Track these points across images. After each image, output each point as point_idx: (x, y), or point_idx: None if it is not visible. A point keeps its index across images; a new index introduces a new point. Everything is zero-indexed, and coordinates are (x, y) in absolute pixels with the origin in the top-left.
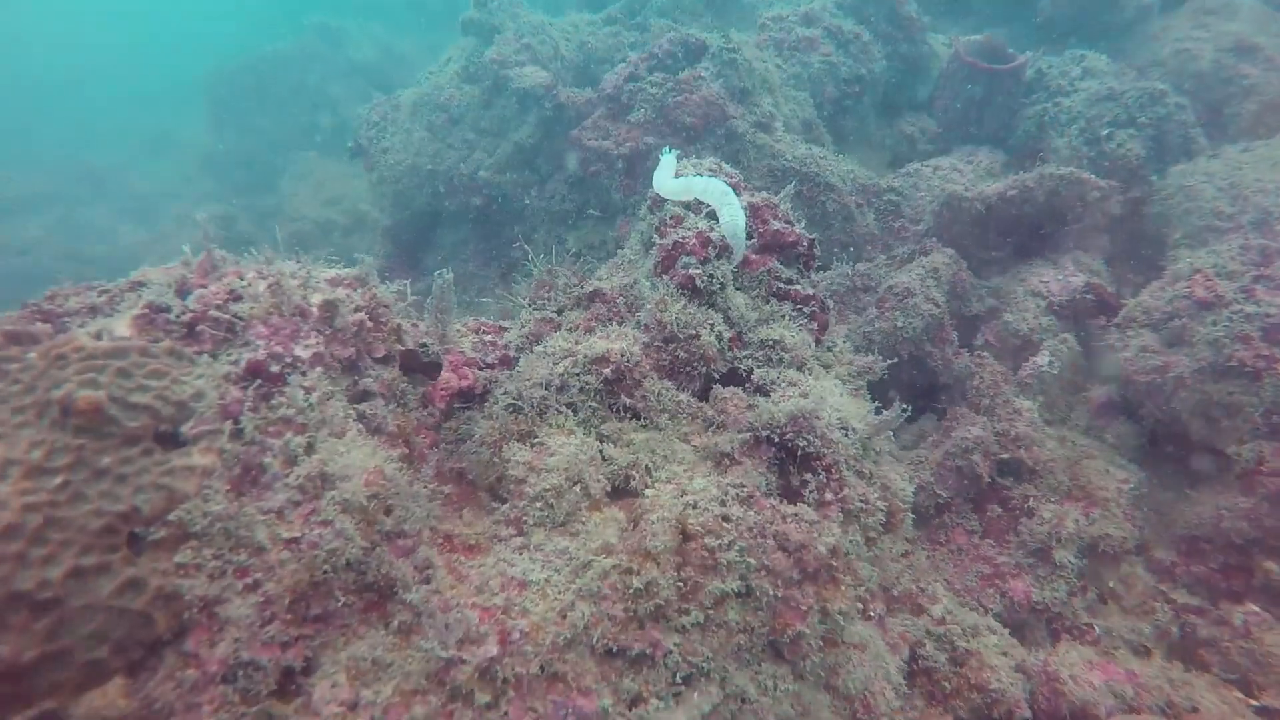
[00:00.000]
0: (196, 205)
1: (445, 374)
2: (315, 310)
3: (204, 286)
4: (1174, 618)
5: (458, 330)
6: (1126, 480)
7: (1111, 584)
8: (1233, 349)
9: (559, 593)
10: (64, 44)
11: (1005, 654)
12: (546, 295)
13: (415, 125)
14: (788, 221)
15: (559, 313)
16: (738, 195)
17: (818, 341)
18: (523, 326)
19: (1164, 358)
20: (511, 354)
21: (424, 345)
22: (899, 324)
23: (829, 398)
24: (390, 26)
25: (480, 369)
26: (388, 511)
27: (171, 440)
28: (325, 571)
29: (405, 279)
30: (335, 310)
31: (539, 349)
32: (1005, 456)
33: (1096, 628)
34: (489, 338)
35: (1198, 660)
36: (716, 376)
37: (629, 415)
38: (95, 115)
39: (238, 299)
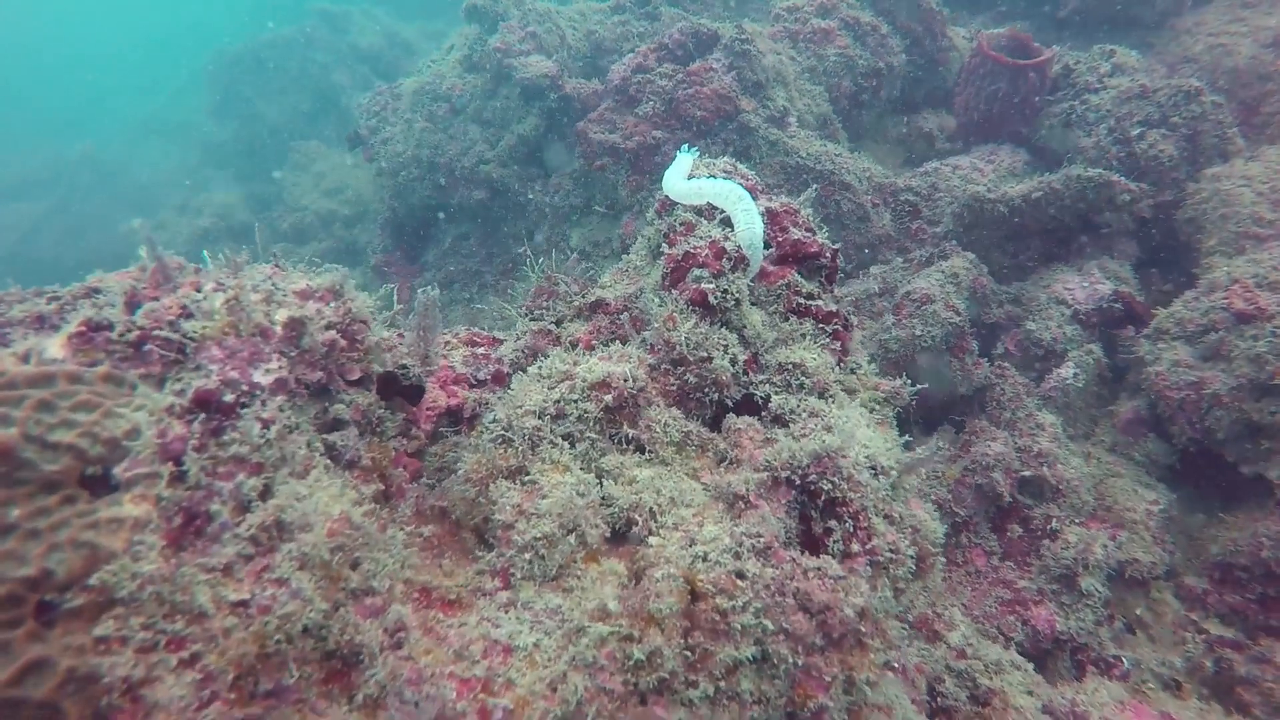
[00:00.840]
0: (197, 193)
1: (433, 391)
2: (279, 329)
3: (156, 299)
4: (1207, 650)
5: (448, 341)
6: (1156, 501)
7: (1139, 611)
8: (1276, 365)
9: (549, 660)
10: (64, 30)
11: (1031, 693)
12: (545, 304)
13: (416, 115)
14: (809, 230)
15: (558, 324)
16: (754, 200)
17: (840, 363)
18: (518, 339)
19: (1199, 373)
20: (506, 369)
21: (404, 367)
22: (917, 332)
23: (856, 432)
24: (394, 11)
25: (471, 385)
26: (354, 565)
27: (103, 484)
28: (278, 640)
29: (404, 273)
30: (303, 329)
31: (533, 370)
32: (1027, 474)
33: (1125, 660)
34: (481, 350)
35: (1236, 699)
36: (730, 404)
37: (632, 447)
38: (97, 101)
39: (191, 315)
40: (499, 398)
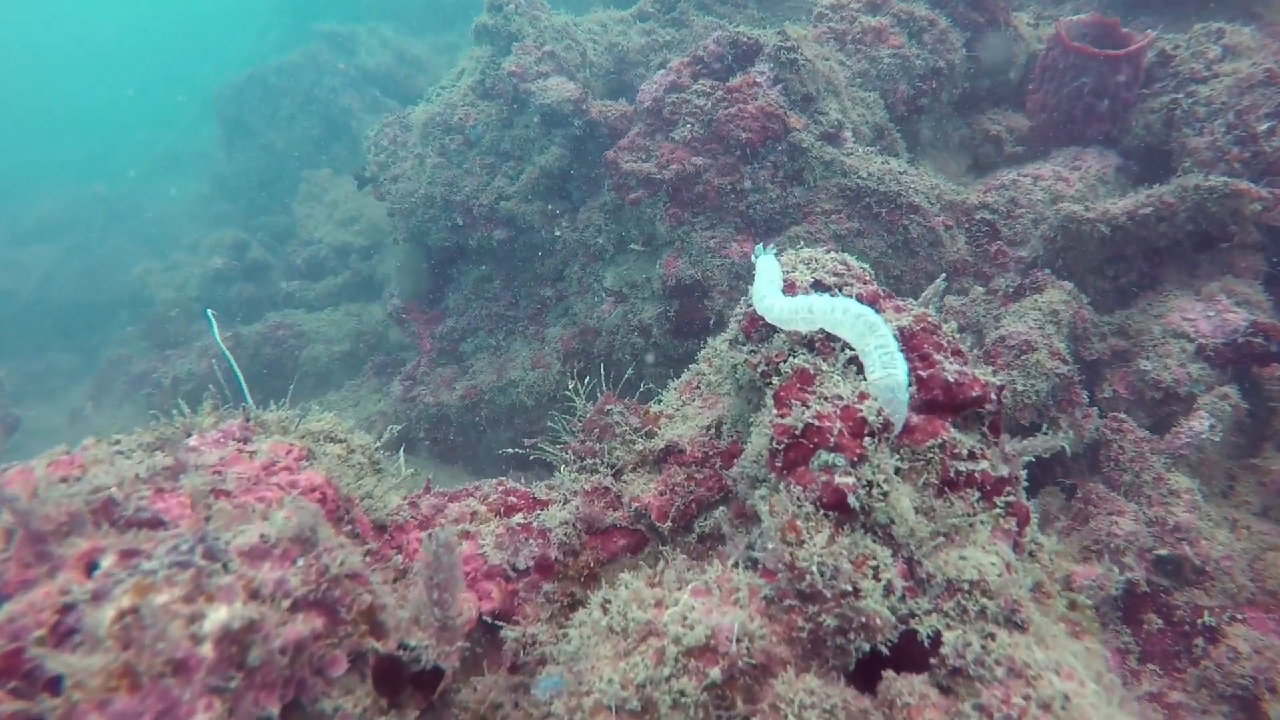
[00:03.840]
0: (210, 230)
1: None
2: (208, 651)
3: (27, 584)
4: None
5: (475, 511)
6: None
7: None
8: None
9: None
10: (78, 66)
11: None
12: (597, 444)
13: (427, 150)
14: (958, 355)
15: (616, 475)
16: (877, 311)
17: (1017, 547)
18: (566, 501)
19: None
20: (553, 551)
21: (408, 646)
22: (1019, 387)
23: (1088, 710)
24: (402, 27)
25: (508, 580)
26: None
27: None
28: None
29: (424, 319)
30: (249, 638)
31: (597, 613)
32: (1163, 552)
33: None
34: (519, 520)
35: None
36: (886, 649)
37: None
38: (113, 138)
39: (72, 630)
40: (555, 647)
